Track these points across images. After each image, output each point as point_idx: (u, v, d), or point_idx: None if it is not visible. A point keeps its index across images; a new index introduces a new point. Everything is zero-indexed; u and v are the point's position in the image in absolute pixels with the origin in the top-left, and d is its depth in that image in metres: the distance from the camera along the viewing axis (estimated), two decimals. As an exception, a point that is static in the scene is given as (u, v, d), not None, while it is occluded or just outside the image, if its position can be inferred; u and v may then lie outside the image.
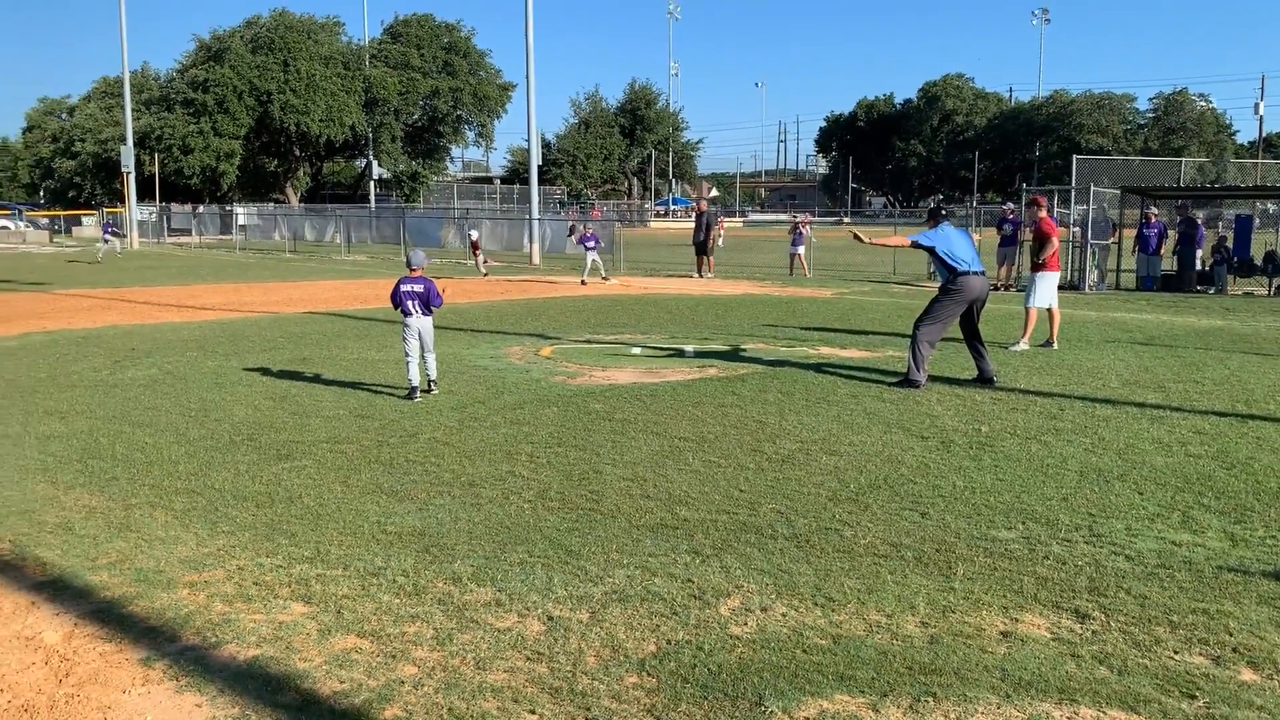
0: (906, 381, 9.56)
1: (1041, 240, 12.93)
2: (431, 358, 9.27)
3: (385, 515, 5.71)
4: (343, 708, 3.54)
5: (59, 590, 4.68)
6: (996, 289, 20.23)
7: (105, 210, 49.49)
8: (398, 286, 9.17)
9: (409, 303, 9.07)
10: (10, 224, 49.85)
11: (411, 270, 9.24)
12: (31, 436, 7.69)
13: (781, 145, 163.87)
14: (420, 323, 9.09)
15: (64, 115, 71.66)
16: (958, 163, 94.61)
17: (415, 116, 68.21)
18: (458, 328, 14.43)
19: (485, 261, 27.12)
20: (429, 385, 9.23)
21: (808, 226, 28.32)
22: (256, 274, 26.88)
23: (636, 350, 12.22)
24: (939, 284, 9.96)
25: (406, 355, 9.07)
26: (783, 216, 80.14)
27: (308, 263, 32.77)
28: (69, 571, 4.89)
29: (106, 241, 33.95)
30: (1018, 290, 19.47)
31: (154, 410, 8.64)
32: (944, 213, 10.21)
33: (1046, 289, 12.51)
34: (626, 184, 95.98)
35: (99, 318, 16.12)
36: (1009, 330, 13.54)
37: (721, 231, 32.57)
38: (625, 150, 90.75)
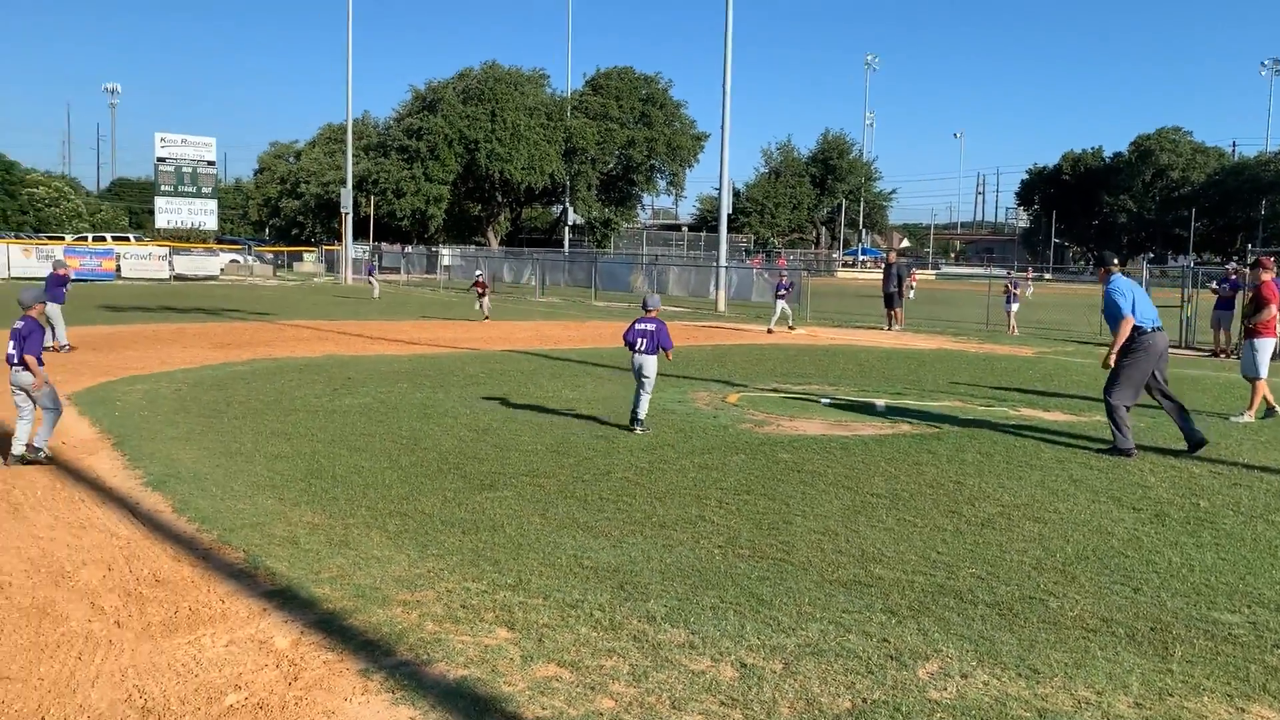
0: (1116, 450, 9.06)
1: (1259, 304, 12.05)
2: (646, 398, 9.79)
3: (581, 549, 5.88)
4: (545, 734, 3.67)
5: (287, 599, 5.06)
6: (1215, 355, 18.96)
7: (370, 250, 52.84)
8: (633, 325, 9.89)
9: (640, 340, 9.76)
10: (240, 258, 54.38)
11: (647, 312, 9.95)
12: (261, 455, 8.35)
13: (979, 197, 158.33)
14: (644, 360, 9.75)
15: (292, 159, 77.77)
16: (1171, 220, 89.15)
17: (611, 165, 70.28)
18: (647, 371, 14.72)
19: (487, 304, 26.08)
20: (631, 423, 9.72)
21: (1023, 284, 27.05)
22: (459, 312, 28.24)
23: (825, 401, 12.10)
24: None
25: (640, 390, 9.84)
26: (978, 270, 77.64)
27: (505, 303, 34.17)
28: (295, 582, 5.28)
29: (371, 284, 36.33)
30: (1236, 357, 18.12)
31: (369, 436, 9.22)
32: (1115, 262, 9.72)
33: (1266, 356, 11.64)
34: (815, 233, 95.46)
35: (317, 348, 17.34)
36: (1227, 400, 12.63)
37: (913, 284, 31.87)
38: (815, 199, 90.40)
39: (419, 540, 6.02)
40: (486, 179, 65.23)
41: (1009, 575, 5.59)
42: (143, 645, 4.53)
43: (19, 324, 8.08)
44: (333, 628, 4.67)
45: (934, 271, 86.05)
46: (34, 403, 8.05)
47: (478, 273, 27.27)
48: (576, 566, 5.57)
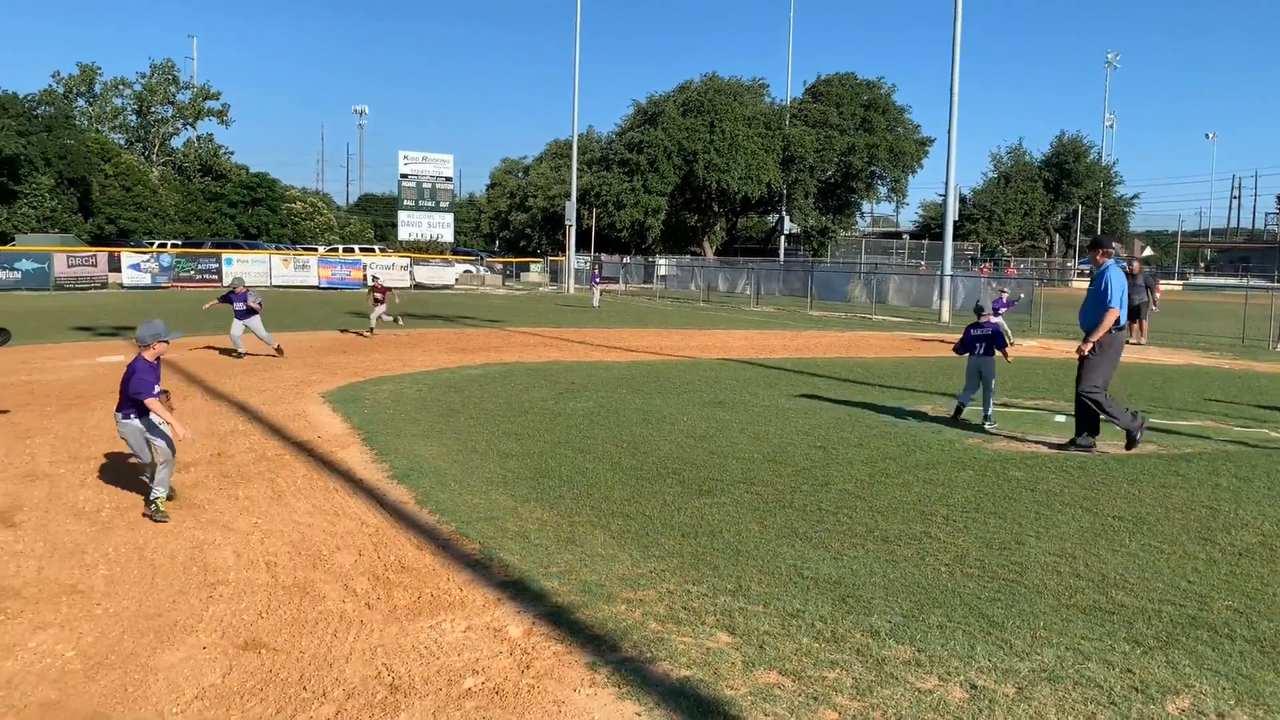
0: (1129, 438, 9.44)
1: None
2: (991, 397, 10.79)
3: (801, 560, 5.84)
4: (767, 740, 3.68)
5: (519, 591, 5.30)
6: None
7: (591, 260, 55.07)
8: (968, 331, 10.91)
9: (977, 345, 10.76)
10: (473, 268, 57.42)
11: (980, 317, 10.98)
12: (494, 453, 8.79)
13: (1235, 202, 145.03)
14: (981, 363, 10.74)
15: (520, 174, 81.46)
16: None
17: (829, 173, 69.39)
18: (864, 381, 14.42)
19: (386, 312, 21.00)
20: (984, 421, 10.64)
21: None
22: (674, 321, 28.67)
23: (1060, 418, 11.45)
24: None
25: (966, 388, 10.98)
26: (1232, 280, 71.20)
27: (719, 312, 34.38)
28: (526, 575, 5.52)
29: (593, 292, 37.89)
30: None
31: (592, 439, 9.52)
32: (1115, 246, 9.82)
33: None
34: (1047, 240, 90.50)
35: (543, 353, 18.06)
36: None
37: (1158, 294, 29.63)
38: (1048, 205, 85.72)
39: (640, 541, 6.16)
40: (704, 189, 65.91)
41: (1273, 610, 5.11)
42: (390, 627, 4.87)
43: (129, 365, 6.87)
44: (561, 620, 4.86)
45: (1180, 282, 79.65)
46: (148, 450, 6.81)
47: (376, 276, 22.17)
48: (796, 576, 5.53)
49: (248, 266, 40.88)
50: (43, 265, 36.48)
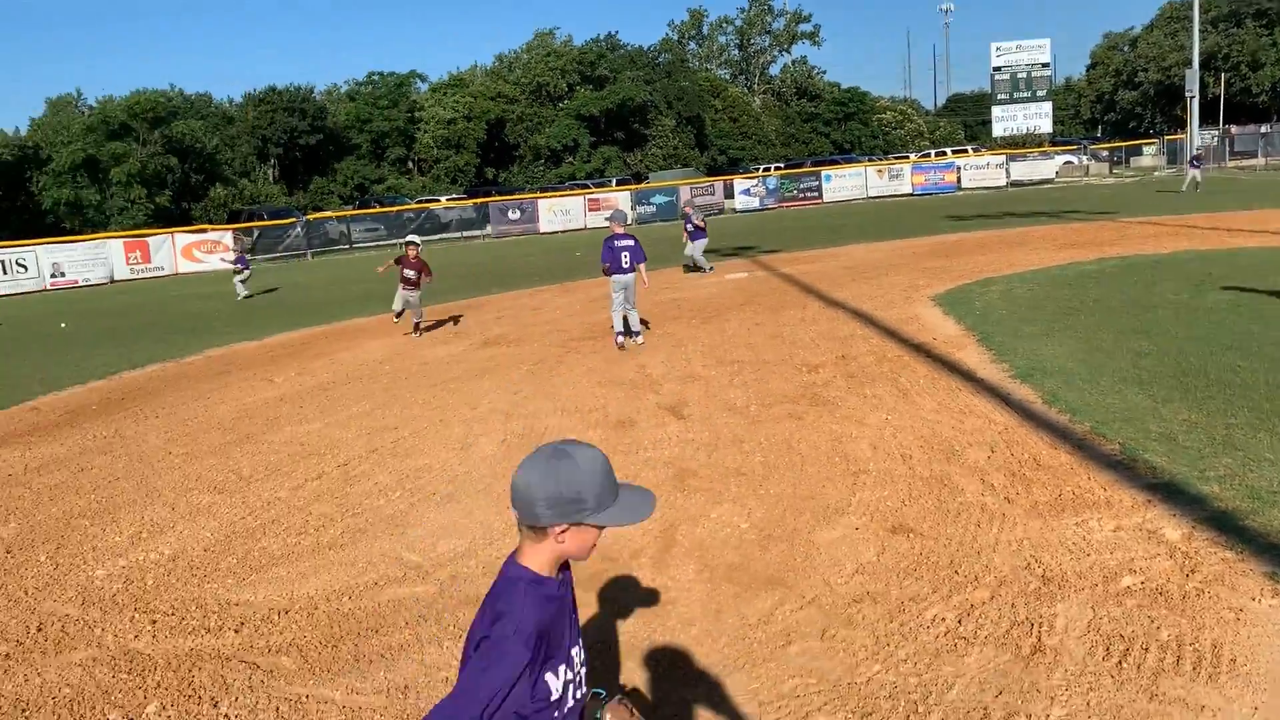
0: None
1: None
2: None
3: None
4: None
5: (1170, 494, 4.96)
6: None
7: (1216, 134, 49.02)
8: None
9: None
10: (1074, 158, 53.21)
11: None
12: (1124, 352, 8.21)
13: None
14: None
15: (1126, 48, 73.19)
16: None
17: None
18: None
19: (416, 302, 13.07)
20: None
21: None
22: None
23: None
24: None
25: None
26: None
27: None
28: (1179, 478, 5.14)
29: (1189, 174, 33.69)
30: None
31: (1243, 335, 8.43)
32: None
33: None
34: None
35: (1167, 244, 16.27)
36: None
37: None
38: None
39: (1322, 447, 5.37)
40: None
41: None
42: (1032, 521, 4.87)
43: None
44: (1227, 526, 4.46)
45: None
46: None
47: (409, 242, 13.49)
48: None
49: (844, 181, 42.46)
50: (670, 198, 41.51)
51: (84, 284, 29.42)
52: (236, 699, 3.88)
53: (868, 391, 7.84)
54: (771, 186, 43.02)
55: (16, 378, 12.12)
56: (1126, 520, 4.72)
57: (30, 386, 11.31)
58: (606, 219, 12.11)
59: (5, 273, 28.53)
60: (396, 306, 13.21)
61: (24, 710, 3.91)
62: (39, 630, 4.67)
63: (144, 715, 3.80)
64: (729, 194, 43.37)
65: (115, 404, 10.06)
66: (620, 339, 10.85)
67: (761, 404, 7.82)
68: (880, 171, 44.31)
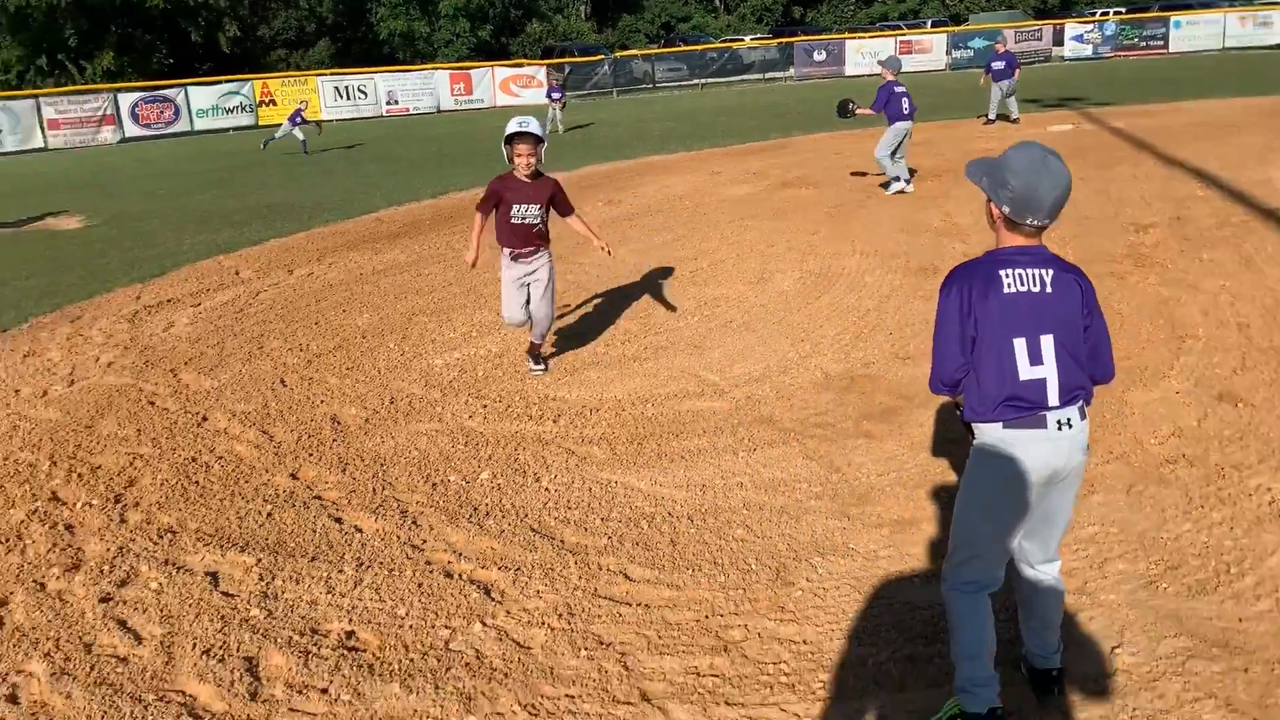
0: None
1: None
2: None
3: None
4: None
5: None
6: None
7: None
8: None
9: None
10: None
11: None
12: None
13: None
14: None
15: None
16: None
17: None
18: None
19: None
20: None
21: None
22: None
23: None
24: None
25: None
26: None
27: None
28: None
29: None
30: None
31: None
32: None
33: None
34: None
35: None
36: None
37: None
38: None
39: None
40: None
41: None
42: None
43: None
44: None
45: None
46: None
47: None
48: None
49: (1196, 29, 37.49)
50: (990, 42, 38.47)
51: (414, 112, 31.79)
52: (555, 477, 4.32)
53: (1205, 255, 7.16)
54: (1109, 33, 38.77)
55: (363, 190, 13.50)
56: None
57: (373, 200, 12.57)
58: (880, 63, 11.68)
59: (348, 98, 31.31)
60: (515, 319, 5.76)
61: (381, 464, 4.56)
62: (391, 403, 5.37)
63: (478, 480, 4.33)
64: (1058, 40, 39.59)
65: (445, 220, 11.00)
66: (908, 186, 10.64)
67: (1078, 259, 7.34)
68: (1243, 19, 38.69)
